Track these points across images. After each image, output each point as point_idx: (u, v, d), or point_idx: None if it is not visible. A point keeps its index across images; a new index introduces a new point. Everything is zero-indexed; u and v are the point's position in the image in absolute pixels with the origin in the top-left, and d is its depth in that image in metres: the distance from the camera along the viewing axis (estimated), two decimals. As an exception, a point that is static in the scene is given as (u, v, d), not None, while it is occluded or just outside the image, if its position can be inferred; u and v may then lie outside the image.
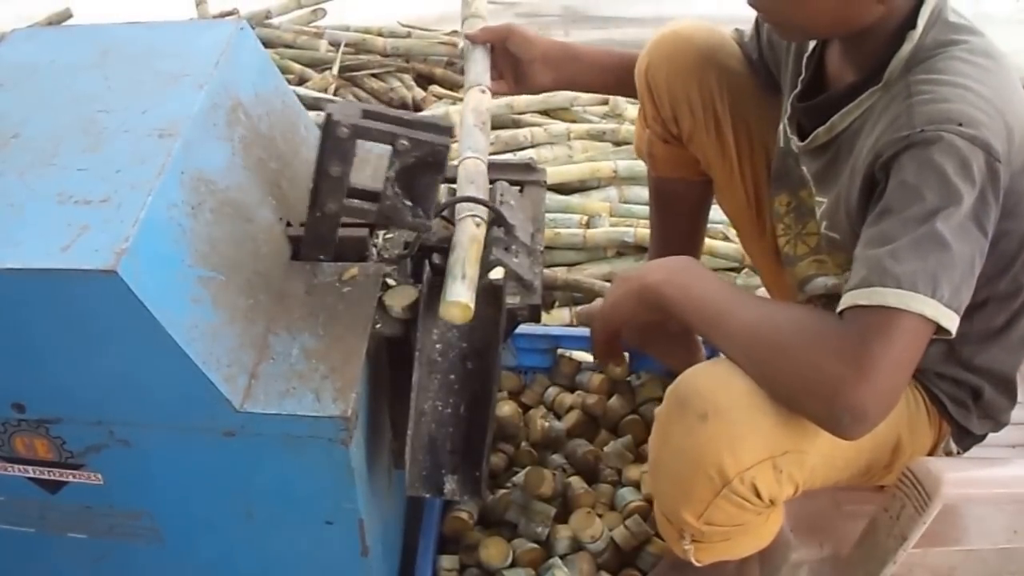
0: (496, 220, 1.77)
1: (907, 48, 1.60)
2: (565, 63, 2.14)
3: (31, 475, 1.71)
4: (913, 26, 1.60)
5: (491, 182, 1.84)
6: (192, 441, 1.60)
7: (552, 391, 2.46)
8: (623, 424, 2.35)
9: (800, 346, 1.48)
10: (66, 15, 4.23)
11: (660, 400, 2.33)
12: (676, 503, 1.61)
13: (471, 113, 1.92)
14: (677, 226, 2.34)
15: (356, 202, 1.69)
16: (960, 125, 1.47)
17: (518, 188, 2.01)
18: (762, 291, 2.26)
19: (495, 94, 2.08)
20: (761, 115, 2.02)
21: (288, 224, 1.79)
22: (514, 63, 2.12)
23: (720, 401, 1.53)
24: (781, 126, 1.88)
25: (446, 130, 1.65)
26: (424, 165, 1.64)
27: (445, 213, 1.81)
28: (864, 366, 1.41)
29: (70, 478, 1.70)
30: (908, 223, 1.45)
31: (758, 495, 1.55)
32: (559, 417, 2.41)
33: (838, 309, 1.49)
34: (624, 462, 2.28)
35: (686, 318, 1.65)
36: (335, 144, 1.62)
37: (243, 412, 1.54)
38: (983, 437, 1.85)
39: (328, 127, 1.61)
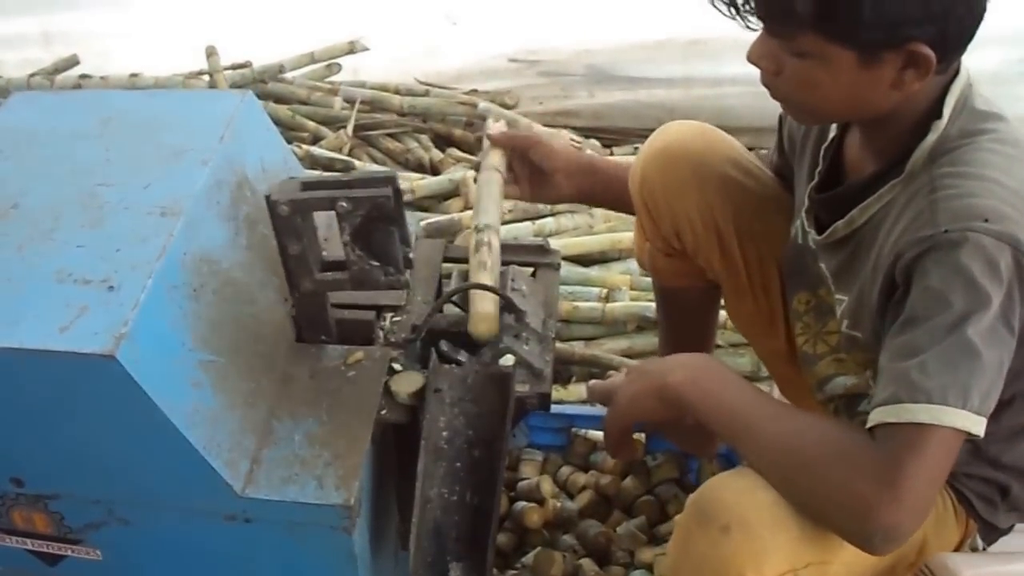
0: (506, 307, 1.75)
1: (931, 138, 1.56)
2: (586, 177, 2.10)
3: (29, 547, 1.70)
4: (939, 115, 1.56)
5: (503, 263, 1.82)
6: (193, 523, 1.59)
7: (565, 470, 2.44)
8: (637, 505, 2.33)
9: (832, 465, 1.45)
10: (73, 61, 4.23)
11: (676, 481, 2.33)
12: None
13: (484, 188, 1.91)
14: (687, 328, 2.29)
15: (329, 275, 1.68)
16: (986, 221, 1.43)
17: (531, 270, 1.99)
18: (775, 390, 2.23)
19: (509, 197, 2.06)
20: (767, 221, 1.97)
21: (293, 305, 1.77)
22: (534, 171, 2.08)
23: (744, 514, 1.49)
24: (797, 221, 1.84)
25: (386, 180, 1.63)
26: (374, 220, 1.62)
27: (456, 299, 1.79)
28: (898, 486, 1.39)
29: (69, 552, 1.69)
30: (935, 332, 1.42)
31: None
32: (572, 497, 2.39)
33: (867, 425, 1.46)
34: (637, 544, 2.24)
35: (710, 424, 1.62)
36: (282, 223, 1.62)
37: (245, 498, 1.53)
38: (1009, 529, 1.80)
39: (270, 209, 1.61)
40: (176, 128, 1.81)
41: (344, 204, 1.59)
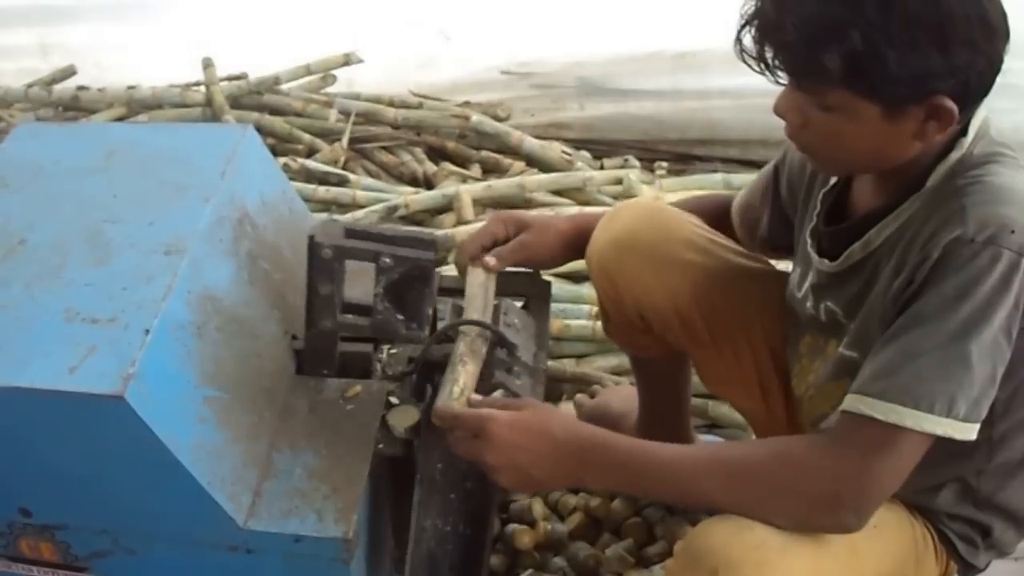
0: (498, 341, 1.78)
1: (955, 155, 1.58)
2: (578, 247, 2.04)
3: (35, 575, 1.72)
4: (964, 133, 1.58)
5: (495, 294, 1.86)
6: (196, 553, 1.62)
7: (556, 492, 2.44)
8: (625, 527, 2.34)
9: (791, 477, 1.53)
10: (70, 72, 4.24)
11: (663, 503, 2.35)
12: None
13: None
14: (663, 389, 2.29)
15: (350, 317, 1.72)
16: (1013, 233, 1.47)
17: (523, 301, 2.03)
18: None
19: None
20: (729, 293, 1.96)
21: (294, 337, 1.81)
22: (528, 246, 2.01)
23: (731, 557, 1.52)
24: (795, 267, 1.86)
25: (429, 244, 1.69)
26: (411, 279, 1.67)
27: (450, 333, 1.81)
28: (864, 480, 1.48)
29: (75, 581, 1.71)
30: (939, 337, 1.47)
31: None
32: (562, 519, 2.40)
33: (843, 407, 1.52)
34: (625, 566, 2.26)
35: (654, 499, 1.65)
36: (320, 264, 1.66)
37: (247, 530, 1.56)
38: (987, 567, 1.82)
39: (312, 249, 1.65)
40: (179, 163, 1.84)
41: (387, 260, 1.65)
